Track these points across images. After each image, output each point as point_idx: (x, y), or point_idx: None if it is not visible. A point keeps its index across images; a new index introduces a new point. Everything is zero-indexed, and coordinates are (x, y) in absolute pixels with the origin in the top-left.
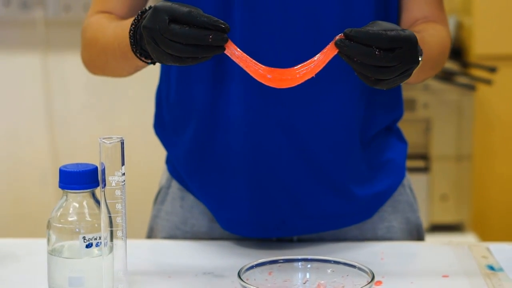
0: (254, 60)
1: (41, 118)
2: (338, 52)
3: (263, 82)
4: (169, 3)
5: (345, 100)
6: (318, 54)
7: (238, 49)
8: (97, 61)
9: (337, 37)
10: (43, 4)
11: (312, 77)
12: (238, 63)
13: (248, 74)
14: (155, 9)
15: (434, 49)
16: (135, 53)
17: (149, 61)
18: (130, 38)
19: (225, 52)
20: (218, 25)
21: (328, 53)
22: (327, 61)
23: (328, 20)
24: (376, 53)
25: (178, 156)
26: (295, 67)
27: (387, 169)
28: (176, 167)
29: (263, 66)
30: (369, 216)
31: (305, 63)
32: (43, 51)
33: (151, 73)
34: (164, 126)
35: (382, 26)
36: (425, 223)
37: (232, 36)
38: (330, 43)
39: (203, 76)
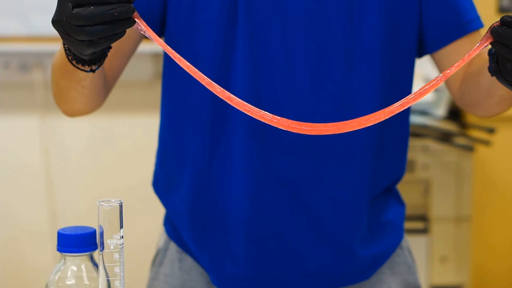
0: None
1: (39, 180)
2: (491, 43)
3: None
4: None
5: (353, 159)
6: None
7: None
8: (54, 88)
9: (493, 25)
10: (42, 66)
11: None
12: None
13: (248, 128)
14: (59, 0)
15: None
16: (70, 60)
17: (88, 69)
18: (63, 44)
19: (136, 26)
20: None
21: (477, 49)
22: (470, 57)
23: (333, 59)
24: None
25: (176, 212)
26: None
27: (386, 230)
28: (174, 223)
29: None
30: (368, 276)
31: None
32: (42, 113)
33: (150, 134)
34: (161, 182)
35: None
36: (425, 285)
37: (235, 78)
38: (476, 46)
39: (199, 132)
